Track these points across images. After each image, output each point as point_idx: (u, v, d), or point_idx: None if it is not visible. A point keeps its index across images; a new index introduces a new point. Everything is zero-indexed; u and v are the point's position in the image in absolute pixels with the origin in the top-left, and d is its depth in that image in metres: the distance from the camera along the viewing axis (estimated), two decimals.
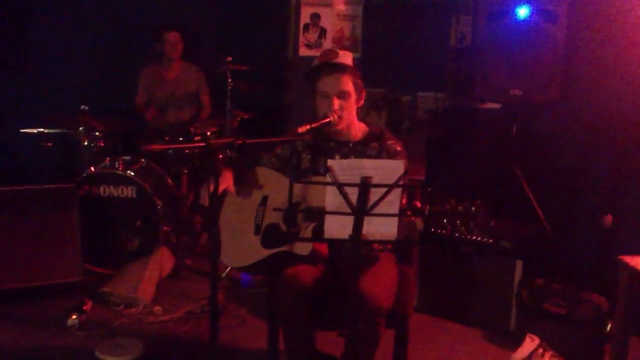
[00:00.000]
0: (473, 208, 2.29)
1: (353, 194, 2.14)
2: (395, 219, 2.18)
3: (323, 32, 5.31)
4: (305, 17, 5.31)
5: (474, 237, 2.32)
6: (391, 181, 2.12)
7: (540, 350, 3.22)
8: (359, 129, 2.84)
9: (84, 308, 3.58)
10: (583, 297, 3.38)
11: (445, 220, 2.33)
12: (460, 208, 2.30)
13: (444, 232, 2.35)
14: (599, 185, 4.00)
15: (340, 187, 2.12)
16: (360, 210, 2.14)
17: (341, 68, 2.66)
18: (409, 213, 2.42)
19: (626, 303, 2.44)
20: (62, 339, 3.36)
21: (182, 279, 4.22)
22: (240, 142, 2.28)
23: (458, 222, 2.31)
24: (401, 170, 2.12)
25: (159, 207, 4.17)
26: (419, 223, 2.55)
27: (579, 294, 3.41)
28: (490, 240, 3.45)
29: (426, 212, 2.36)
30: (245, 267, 2.81)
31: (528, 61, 3.96)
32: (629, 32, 3.81)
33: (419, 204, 2.43)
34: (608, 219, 3.69)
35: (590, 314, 3.29)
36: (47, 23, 5.35)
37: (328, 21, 5.31)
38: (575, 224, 4.11)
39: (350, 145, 2.80)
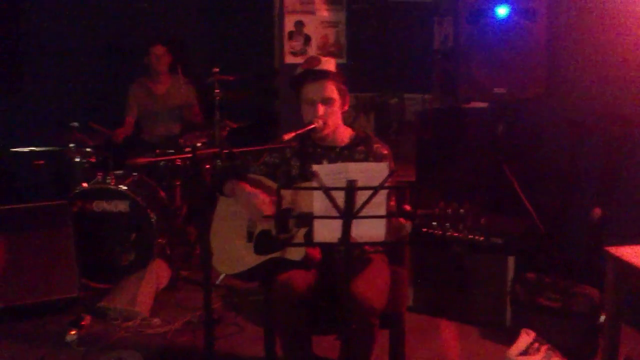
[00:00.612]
0: (461, 210, 2.33)
1: (340, 197, 2.18)
2: (383, 221, 2.21)
3: (308, 39, 5.36)
4: (289, 25, 5.36)
5: (464, 235, 2.36)
6: (376, 183, 2.15)
7: (536, 345, 3.25)
8: (345, 134, 2.88)
9: (82, 323, 3.60)
10: (576, 290, 3.41)
11: (434, 223, 2.37)
12: (448, 210, 2.34)
13: (434, 232, 2.39)
14: (587, 178, 4.05)
15: (327, 191, 2.16)
16: (348, 214, 2.18)
17: (324, 75, 2.69)
18: (397, 215, 2.47)
19: (614, 292, 2.48)
20: (62, 354, 3.38)
21: (179, 290, 4.25)
22: (226, 151, 2.31)
23: (447, 224, 2.35)
24: (386, 172, 2.16)
25: (152, 220, 4.19)
26: (408, 226, 2.58)
27: (572, 287, 3.44)
28: (482, 238, 3.50)
29: (416, 218, 2.40)
30: (239, 274, 2.84)
31: (510, 59, 4.01)
32: (609, 27, 3.85)
33: (408, 208, 2.46)
34: (597, 211, 3.73)
35: (583, 307, 3.32)
36: (39, 43, 5.39)
37: (312, 28, 5.35)
38: (565, 218, 4.15)
39: (337, 150, 2.83)
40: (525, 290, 3.47)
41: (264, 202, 2.69)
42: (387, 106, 5.31)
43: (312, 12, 5.35)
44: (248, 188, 2.75)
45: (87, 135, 4.41)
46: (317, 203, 2.22)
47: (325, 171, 2.20)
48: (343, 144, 2.85)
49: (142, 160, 4.09)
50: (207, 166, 2.93)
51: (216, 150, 2.33)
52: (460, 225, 2.34)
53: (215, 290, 4.17)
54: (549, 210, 4.11)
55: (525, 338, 3.25)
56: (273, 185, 2.82)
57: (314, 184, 2.18)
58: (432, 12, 5.18)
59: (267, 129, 5.42)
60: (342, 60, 5.31)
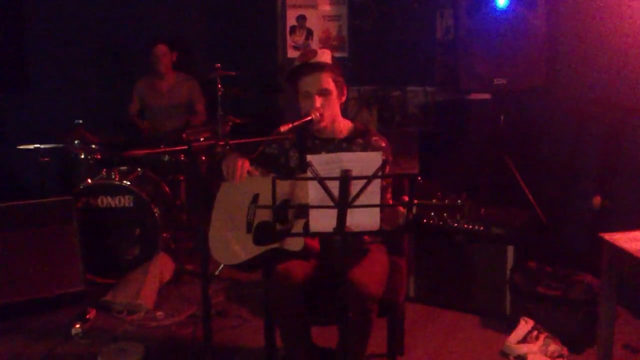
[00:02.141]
0: (459, 201, 2.35)
1: (335, 187, 2.20)
2: (377, 210, 2.24)
3: (310, 33, 5.38)
4: (291, 19, 5.38)
5: (463, 225, 2.39)
6: (370, 173, 2.18)
7: (535, 333, 3.27)
8: (343, 126, 2.90)
9: (88, 317, 3.66)
10: (575, 279, 3.43)
11: (432, 213, 2.40)
12: (446, 201, 2.37)
13: (431, 222, 2.42)
14: (587, 167, 4.06)
15: (321, 181, 2.18)
16: (342, 203, 2.21)
17: (320, 67, 2.71)
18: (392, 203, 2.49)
19: (609, 278, 2.50)
20: (68, 347, 3.43)
21: (183, 283, 4.28)
22: (222, 143, 2.34)
23: (445, 214, 2.37)
24: (379, 162, 2.18)
25: (156, 215, 4.23)
26: (402, 213, 2.59)
27: (571, 275, 3.46)
28: (481, 228, 3.52)
29: (413, 206, 2.42)
30: (238, 265, 2.87)
31: (510, 50, 4.03)
32: (609, 16, 3.86)
33: (406, 198, 2.48)
34: (597, 200, 3.74)
35: (582, 295, 3.34)
36: (43, 41, 5.45)
37: (314, 22, 5.38)
38: (566, 207, 4.16)
39: (336, 142, 2.86)
40: (524, 278, 3.49)
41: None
42: (389, 99, 5.32)
43: (314, 6, 5.38)
44: (238, 154, 2.76)
45: (94, 131, 4.47)
46: (312, 193, 2.25)
47: (320, 161, 2.23)
48: (342, 136, 2.87)
49: (139, 152, 4.12)
50: (204, 158, 2.96)
51: (213, 142, 2.34)
52: (458, 216, 2.37)
53: (219, 283, 4.21)
54: (550, 200, 4.12)
55: (524, 326, 3.27)
56: (268, 175, 2.84)
57: (309, 173, 2.20)
58: (434, 4, 5.18)
59: (269, 124, 5.44)
60: (344, 54, 5.33)
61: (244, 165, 2.70)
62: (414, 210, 2.41)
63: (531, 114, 4.50)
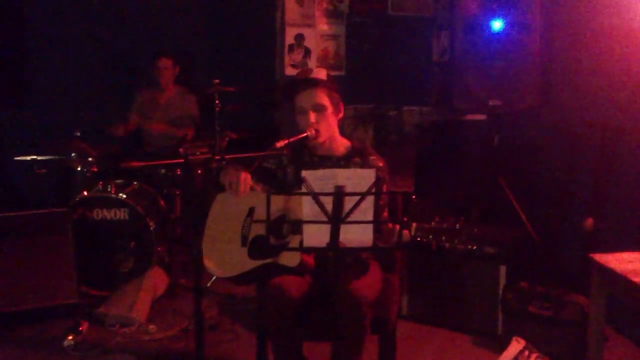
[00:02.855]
0: (457, 225, 2.37)
1: (329, 203, 2.23)
2: (370, 226, 2.27)
3: (307, 52, 5.44)
4: (289, 38, 5.44)
5: (458, 247, 2.40)
6: (364, 189, 2.21)
7: (527, 353, 3.27)
8: (341, 144, 2.93)
9: (80, 329, 3.65)
10: (567, 299, 3.44)
11: (430, 237, 2.42)
12: (444, 225, 2.39)
13: (429, 243, 2.43)
14: (580, 188, 4.09)
15: (315, 196, 2.22)
16: (336, 219, 2.23)
17: (314, 82, 2.75)
18: (390, 224, 2.51)
19: (598, 299, 2.52)
20: (60, 359, 3.42)
21: (177, 297, 4.29)
22: (218, 157, 2.37)
23: (443, 238, 2.39)
24: (373, 179, 2.22)
25: (151, 228, 4.24)
26: (405, 234, 2.60)
27: (563, 296, 3.48)
28: (474, 247, 3.54)
29: (412, 230, 2.44)
30: (232, 278, 2.88)
31: (505, 71, 4.09)
32: (602, 40, 3.91)
33: (405, 219, 2.49)
34: (589, 222, 3.76)
35: (574, 315, 3.35)
36: (43, 53, 5.51)
37: (312, 41, 5.43)
38: (559, 228, 4.19)
39: (334, 160, 2.87)
40: (516, 298, 3.50)
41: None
42: (385, 118, 5.37)
43: (313, 26, 5.44)
44: (239, 167, 2.78)
45: (91, 143, 4.49)
46: (306, 208, 2.28)
47: (314, 177, 2.27)
48: (339, 154, 2.90)
49: (135, 164, 4.14)
50: (199, 171, 2.99)
51: (209, 156, 2.37)
52: (455, 240, 2.38)
53: (212, 297, 4.22)
54: (543, 221, 4.15)
55: (516, 346, 3.27)
56: (263, 190, 2.86)
57: (304, 189, 2.23)
58: (431, 25, 5.26)
59: (267, 140, 5.47)
60: (342, 73, 5.39)
61: (246, 179, 2.72)
62: (412, 231, 2.43)
63: (525, 135, 4.54)
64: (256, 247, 2.77)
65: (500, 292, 3.61)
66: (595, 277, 2.51)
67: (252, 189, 2.77)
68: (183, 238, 4.92)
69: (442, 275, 3.81)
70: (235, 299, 4.27)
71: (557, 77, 4.23)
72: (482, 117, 4.62)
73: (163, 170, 4.71)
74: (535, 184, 4.42)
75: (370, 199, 2.24)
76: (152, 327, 3.79)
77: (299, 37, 5.43)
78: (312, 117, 2.75)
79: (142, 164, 4.20)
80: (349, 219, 2.23)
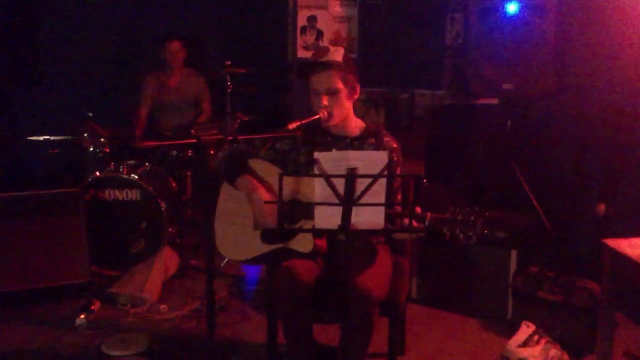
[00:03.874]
0: (472, 217, 2.36)
1: (340, 185, 2.23)
2: (382, 209, 2.26)
3: (320, 34, 5.41)
4: (302, 19, 5.41)
5: (472, 239, 2.39)
6: (376, 171, 2.20)
7: (536, 337, 3.28)
8: (355, 125, 2.91)
9: (92, 308, 3.69)
10: (578, 285, 3.44)
11: (445, 230, 2.41)
12: (459, 217, 2.38)
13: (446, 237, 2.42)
14: (593, 174, 4.06)
15: (327, 178, 2.21)
16: (348, 201, 2.23)
17: (328, 65, 2.72)
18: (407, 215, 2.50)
19: (610, 284, 2.51)
20: (72, 337, 3.46)
21: (187, 278, 4.33)
22: (231, 138, 2.37)
23: (457, 230, 2.38)
24: (385, 161, 2.20)
25: (163, 209, 4.27)
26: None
27: (574, 281, 3.47)
28: (485, 231, 3.53)
29: (427, 219, 2.44)
30: (244, 261, 2.89)
31: (519, 55, 4.04)
32: (619, 23, 3.86)
33: (419, 210, 2.48)
34: (601, 207, 3.74)
35: (584, 301, 3.35)
36: (57, 35, 5.53)
37: (324, 23, 5.40)
38: (571, 213, 4.17)
39: (348, 140, 2.86)
40: (526, 283, 3.50)
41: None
42: (397, 102, 5.33)
43: (325, 7, 5.40)
44: (261, 190, 2.78)
45: (104, 124, 4.50)
46: (318, 190, 2.27)
47: (326, 158, 2.25)
48: (353, 135, 2.88)
49: (148, 144, 4.15)
50: (212, 152, 2.98)
51: (221, 137, 2.37)
52: (470, 232, 2.37)
53: (222, 279, 4.24)
54: (555, 206, 4.13)
55: (525, 330, 3.28)
56: (274, 170, 2.84)
57: (316, 171, 2.23)
58: (444, 8, 5.20)
59: (278, 122, 5.47)
60: (354, 55, 5.34)
61: (273, 214, 2.65)
62: (427, 223, 2.42)
63: (538, 120, 4.50)
64: (268, 231, 2.77)
65: (511, 276, 3.61)
66: (607, 263, 2.50)
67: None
68: (194, 219, 4.94)
69: (453, 259, 3.82)
70: (245, 281, 4.29)
71: (572, 62, 4.18)
72: (494, 101, 4.58)
73: (174, 152, 4.72)
74: (548, 169, 4.39)
75: (382, 182, 2.22)
76: (163, 307, 3.83)
77: (312, 19, 5.40)
78: (325, 100, 2.74)
79: (155, 143, 4.21)
80: (361, 202, 2.23)
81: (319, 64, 2.74)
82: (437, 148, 4.84)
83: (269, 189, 2.81)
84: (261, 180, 2.83)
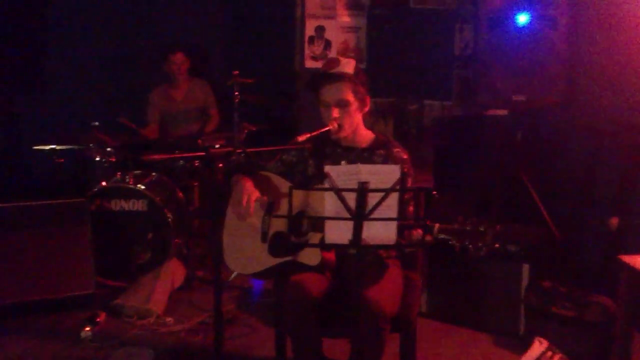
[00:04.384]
0: (482, 228, 2.31)
1: (351, 199, 2.18)
2: (394, 224, 2.21)
3: (328, 44, 5.38)
4: (310, 29, 5.39)
5: (483, 250, 2.34)
6: (388, 186, 2.16)
7: (549, 354, 3.22)
8: (365, 136, 2.88)
9: (97, 320, 3.64)
10: (591, 300, 3.38)
11: (454, 240, 2.36)
12: (468, 228, 2.33)
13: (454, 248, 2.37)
14: (605, 187, 4.01)
15: (338, 192, 2.17)
16: (359, 215, 2.18)
17: (339, 77, 2.69)
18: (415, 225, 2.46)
19: (627, 301, 2.46)
20: (76, 350, 3.42)
21: (194, 290, 4.28)
22: (240, 151, 2.33)
23: (467, 242, 2.33)
24: (397, 175, 2.16)
25: (169, 220, 4.23)
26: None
27: (587, 296, 3.41)
28: (497, 245, 3.48)
29: (435, 231, 2.39)
30: (252, 274, 2.85)
31: (530, 67, 4.00)
32: (630, 34, 3.83)
33: (428, 222, 2.43)
34: (614, 221, 3.69)
35: (598, 316, 3.29)
36: (63, 44, 5.51)
37: (333, 33, 5.38)
38: (582, 226, 4.12)
39: (357, 151, 2.83)
40: (539, 298, 3.44)
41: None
42: (406, 112, 5.30)
43: (333, 17, 5.38)
44: (248, 183, 2.76)
45: (110, 134, 4.48)
46: (329, 204, 2.23)
47: (337, 172, 2.22)
48: (363, 146, 2.85)
49: (157, 157, 4.13)
50: (220, 165, 2.94)
51: (230, 149, 2.33)
52: (479, 243, 2.32)
53: (229, 291, 4.19)
54: (566, 219, 4.08)
55: (538, 346, 3.22)
56: (283, 183, 2.82)
57: (326, 184, 2.19)
58: (453, 18, 5.17)
59: (285, 132, 5.45)
60: (362, 66, 5.31)
61: (250, 199, 2.68)
62: (435, 233, 2.37)
63: (549, 132, 4.46)
64: (276, 244, 2.74)
65: (523, 291, 3.55)
66: (624, 279, 2.44)
67: (258, 201, 2.72)
68: (201, 230, 4.91)
69: (463, 273, 3.76)
70: (252, 293, 4.24)
71: (583, 73, 4.14)
72: (504, 112, 4.54)
73: (181, 162, 4.69)
74: (559, 182, 4.34)
75: (394, 196, 2.18)
76: (169, 319, 3.78)
77: (320, 29, 5.38)
78: (336, 112, 2.71)
79: (163, 156, 4.18)
80: (373, 216, 2.18)
81: (329, 76, 2.71)
82: (446, 159, 4.79)
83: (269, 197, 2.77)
84: (266, 191, 2.79)
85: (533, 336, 3.31)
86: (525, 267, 3.58)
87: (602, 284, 3.51)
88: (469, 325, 3.76)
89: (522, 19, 3.98)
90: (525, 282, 3.58)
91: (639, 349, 3.37)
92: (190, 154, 4.15)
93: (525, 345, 3.29)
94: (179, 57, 5.14)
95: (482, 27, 4.20)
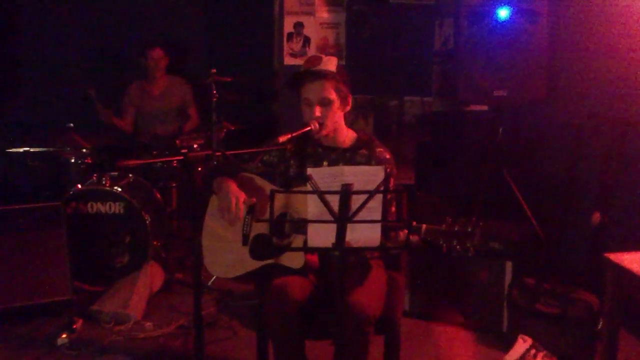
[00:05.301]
0: (469, 228, 2.29)
1: (335, 201, 2.13)
2: (378, 225, 2.17)
3: (307, 40, 5.33)
4: (288, 26, 5.33)
5: (470, 250, 2.32)
6: (372, 187, 2.11)
7: (533, 351, 3.21)
8: (347, 136, 2.83)
9: (74, 327, 3.56)
10: (574, 296, 3.37)
11: (441, 241, 2.33)
12: (456, 228, 2.30)
13: (440, 246, 2.34)
14: (587, 182, 4.00)
15: (321, 195, 2.12)
16: (342, 218, 2.13)
17: (321, 75, 2.64)
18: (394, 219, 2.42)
19: (613, 299, 2.43)
20: (53, 358, 3.34)
21: (173, 293, 4.20)
22: (219, 154, 2.27)
23: (454, 242, 2.30)
24: (381, 176, 2.12)
25: (147, 222, 4.15)
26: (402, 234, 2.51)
27: (570, 293, 3.40)
28: (485, 245, 3.46)
29: (422, 231, 2.36)
30: (233, 278, 2.79)
31: (511, 62, 3.96)
32: (611, 29, 3.82)
33: (414, 223, 2.40)
34: (596, 216, 3.68)
35: (582, 313, 3.28)
36: (35, 44, 5.42)
37: (311, 29, 5.33)
38: (565, 222, 4.11)
39: (339, 151, 2.78)
40: (522, 295, 3.43)
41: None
42: (386, 108, 5.27)
43: (312, 14, 5.32)
44: (233, 186, 2.69)
45: (85, 135, 4.39)
46: (312, 207, 2.18)
47: (320, 174, 2.16)
48: (345, 146, 2.80)
49: (132, 162, 4.05)
50: (200, 168, 2.88)
51: (209, 152, 2.27)
52: (467, 244, 2.29)
53: (209, 294, 4.13)
54: (549, 215, 4.07)
55: (522, 344, 3.21)
56: (266, 185, 2.77)
57: (308, 187, 2.13)
58: (433, 13, 5.15)
59: (265, 131, 5.39)
60: (341, 62, 5.27)
61: (238, 203, 2.62)
62: (422, 234, 2.34)
63: (530, 127, 4.45)
64: (258, 247, 2.68)
65: (506, 288, 3.53)
66: (609, 277, 2.42)
67: (246, 203, 2.66)
68: (179, 232, 4.83)
69: (446, 271, 3.73)
70: (233, 295, 4.18)
71: (564, 68, 4.13)
72: (484, 108, 4.52)
73: (159, 163, 4.61)
74: (541, 178, 4.33)
75: (378, 197, 2.14)
76: (148, 324, 3.71)
77: (299, 26, 5.32)
78: (318, 110, 2.65)
79: (139, 162, 4.10)
80: (356, 218, 2.14)
81: (312, 73, 2.65)
82: (427, 155, 4.77)
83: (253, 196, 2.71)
84: (248, 192, 2.73)
85: (516, 334, 3.30)
86: (509, 265, 3.56)
87: (585, 280, 3.49)
88: (452, 323, 3.74)
89: (503, 13, 3.94)
90: (508, 279, 3.55)
91: (624, 346, 3.39)
92: (169, 158, 4.05)
93: (509, 343, 3.28)
94: (157, 53, 5.05)
95: (462, 21, 4.15)
